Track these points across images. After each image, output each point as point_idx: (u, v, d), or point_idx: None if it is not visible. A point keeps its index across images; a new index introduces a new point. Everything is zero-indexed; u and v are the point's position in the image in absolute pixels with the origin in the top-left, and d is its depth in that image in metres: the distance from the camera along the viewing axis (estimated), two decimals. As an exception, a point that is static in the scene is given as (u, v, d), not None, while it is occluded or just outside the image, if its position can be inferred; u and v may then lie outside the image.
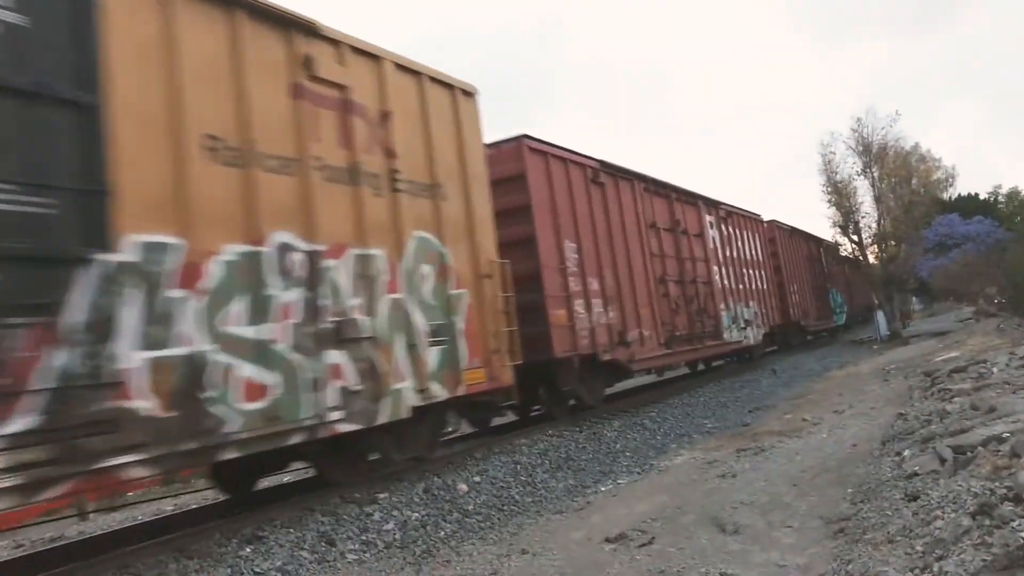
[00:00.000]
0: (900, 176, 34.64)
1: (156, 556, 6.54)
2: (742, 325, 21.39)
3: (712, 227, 20.51)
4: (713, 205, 20.96)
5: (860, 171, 34.34)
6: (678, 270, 17.61)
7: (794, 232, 31.08)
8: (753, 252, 23.96)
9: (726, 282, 20.72)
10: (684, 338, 17.15)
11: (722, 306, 19.90)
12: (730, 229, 22.05)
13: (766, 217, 26.93)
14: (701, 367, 22.47)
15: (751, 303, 22.72)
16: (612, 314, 14.12)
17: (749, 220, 24.22)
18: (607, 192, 14.96)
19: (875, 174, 34.20)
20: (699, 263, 18.98)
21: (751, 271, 23.32)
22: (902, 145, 35.72)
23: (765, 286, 24.62)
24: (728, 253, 21.42)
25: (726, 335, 19.83)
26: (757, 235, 24.81)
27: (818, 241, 35.49)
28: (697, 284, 18.47)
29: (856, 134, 34.36)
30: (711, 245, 20.08)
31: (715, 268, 19.99)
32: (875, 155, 34.15)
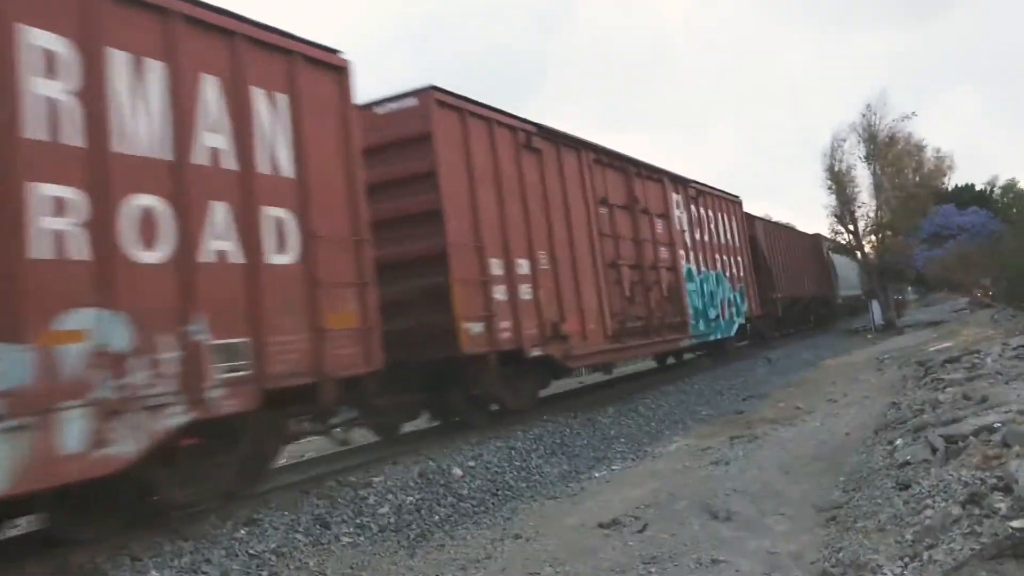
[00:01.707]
0: (904, 167, 34.66)
1: (152, 538, 6.58)
2: (713, 316, 19.53)
3: (679, 207, 18.48)
4: (681, 183, 18.89)
5: (863, 158, 34.31)
6: (635, 253, 15.54)
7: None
8: (729, 237, 22.01)
9: (696, 268, 18.92)
10: (638, 330, 15.08)
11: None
12: (702, 211, 19.97)
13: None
14: (671, 361, 21.16)
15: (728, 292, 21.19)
16: (545, 302, 12.02)
17: (724, 201, 22.08)
18: (545, 161, 12.89)
19: (877, 164, 34.20)
20: (662, 247, 16.90)
21: (726, 257, 21.41)
22: (909, 139, 35.77)
23: (742, 274, 22.72)
24: (699, 237, 19.47)
25: (694, 326, 17.98)
26: (734, 218, 22.77)
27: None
28: (659, 270, 16.46)
29: (864, 119, 34.26)
30: (678, 227, 18.08)
31: (682, 253, 18.01)
32: (880, 145, 34.12)
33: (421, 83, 10.75)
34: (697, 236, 19.36)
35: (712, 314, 19.46)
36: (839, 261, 38.52)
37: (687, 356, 21.36)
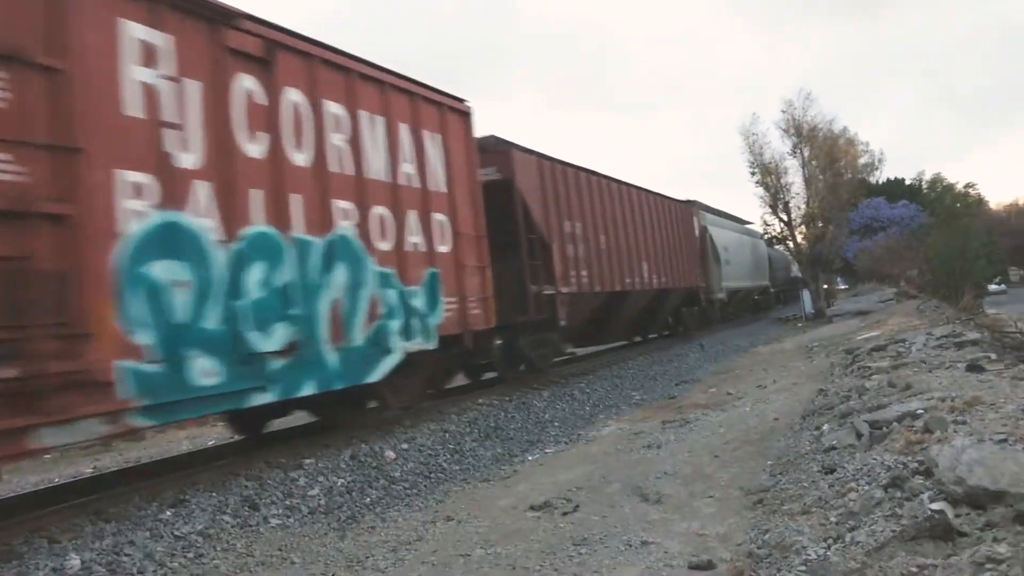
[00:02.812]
0: (828, 158, 35.40)
1: (71, 519, 6.40)
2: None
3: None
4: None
5: (790, 151, 35.03)
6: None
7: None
8: (414, 168, 10.81)
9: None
10: None
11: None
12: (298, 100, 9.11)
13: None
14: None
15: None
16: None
17: (397, 96, 10.59)
18: None
19: (804, 155, 34.92)
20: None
21: (384, 211, 10.23)
22: (832, 128, 36.50)
23: (446, 249, 11.28)
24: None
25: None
26: (432, 137, 11.32)
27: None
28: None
29: (786, 115, 35.01)
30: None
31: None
32: (805, 136, 34.84)
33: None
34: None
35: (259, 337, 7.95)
36: (728, 241, 30.73)
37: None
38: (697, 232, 26.38)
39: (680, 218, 23.97)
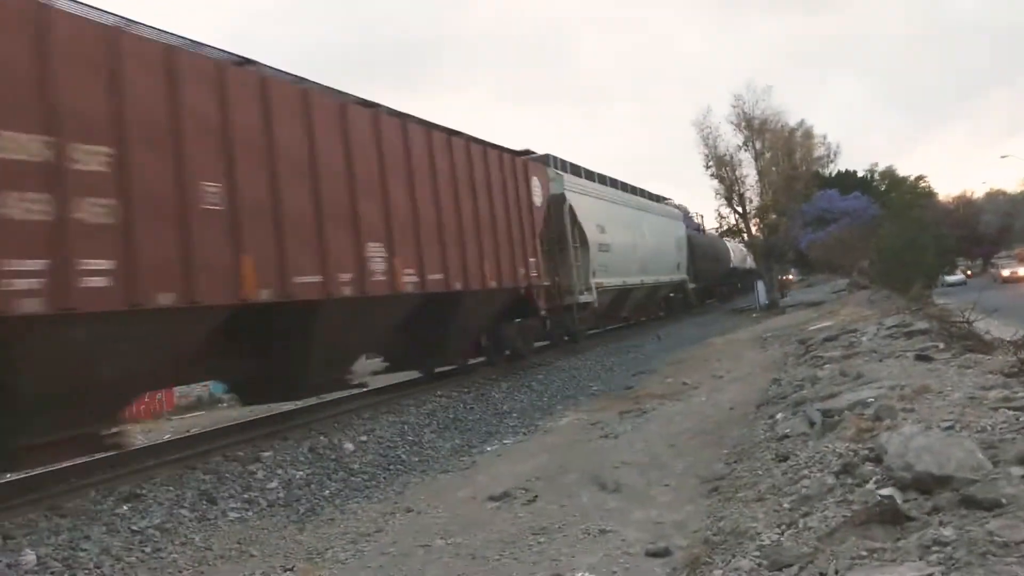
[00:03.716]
0: (782, 150, 35.79)
1: (26, 514, 6.32)
2: None
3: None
4: None
5: (741, 145, 35.37)
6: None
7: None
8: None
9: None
10: None
11: None
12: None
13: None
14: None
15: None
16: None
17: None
18: None
19: (757, 148, 35.30)
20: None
21: None
22: (785, 120, 36.88)
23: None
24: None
25: None
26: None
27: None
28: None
29: (737, 110, 35.33)
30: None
31: None
32: (756, 129, 35.19)
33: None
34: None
35: None
36: (609, 217, 22.64)
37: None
38: (541, 201, 16.92)
39: (504, 178, 14.96)
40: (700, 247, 35.85)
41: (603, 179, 24.25)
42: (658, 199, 31.41)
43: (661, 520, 5.88)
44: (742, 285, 46.99)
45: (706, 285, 37.45)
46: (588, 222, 20.13)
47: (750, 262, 43.76)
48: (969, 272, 55.28)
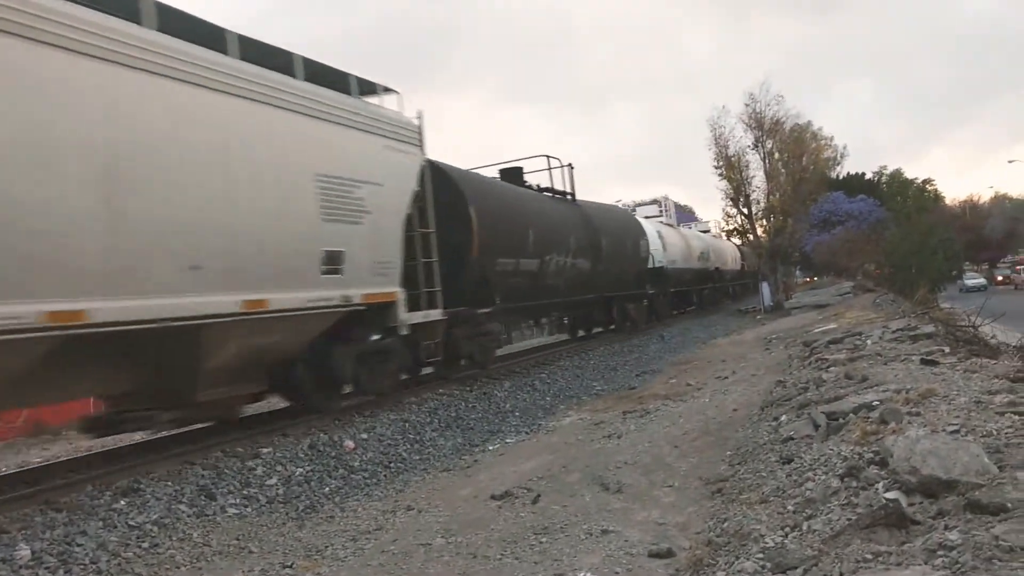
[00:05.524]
0: (792, 152, 35.68)
1: (21, 509, 6.28)
2: None
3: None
4: None
5: (752, 145, 35.27)
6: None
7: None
8: None
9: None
10: None
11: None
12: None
13: None
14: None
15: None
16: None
17: None
18: None
19: (767, 148, 35.20)
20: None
21: None
22: (797, 122, 36.76)
23: None
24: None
25: None
26: None
27: None
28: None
29: (749, 109, 35.23)
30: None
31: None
32: (767, 130, 35.09)
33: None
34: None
35: None
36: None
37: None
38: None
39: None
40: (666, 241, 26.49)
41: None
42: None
43: (664, 521, 5.83)
44: (733, 291, 42.72)
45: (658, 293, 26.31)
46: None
47: (738, 262, 42.18)
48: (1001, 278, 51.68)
